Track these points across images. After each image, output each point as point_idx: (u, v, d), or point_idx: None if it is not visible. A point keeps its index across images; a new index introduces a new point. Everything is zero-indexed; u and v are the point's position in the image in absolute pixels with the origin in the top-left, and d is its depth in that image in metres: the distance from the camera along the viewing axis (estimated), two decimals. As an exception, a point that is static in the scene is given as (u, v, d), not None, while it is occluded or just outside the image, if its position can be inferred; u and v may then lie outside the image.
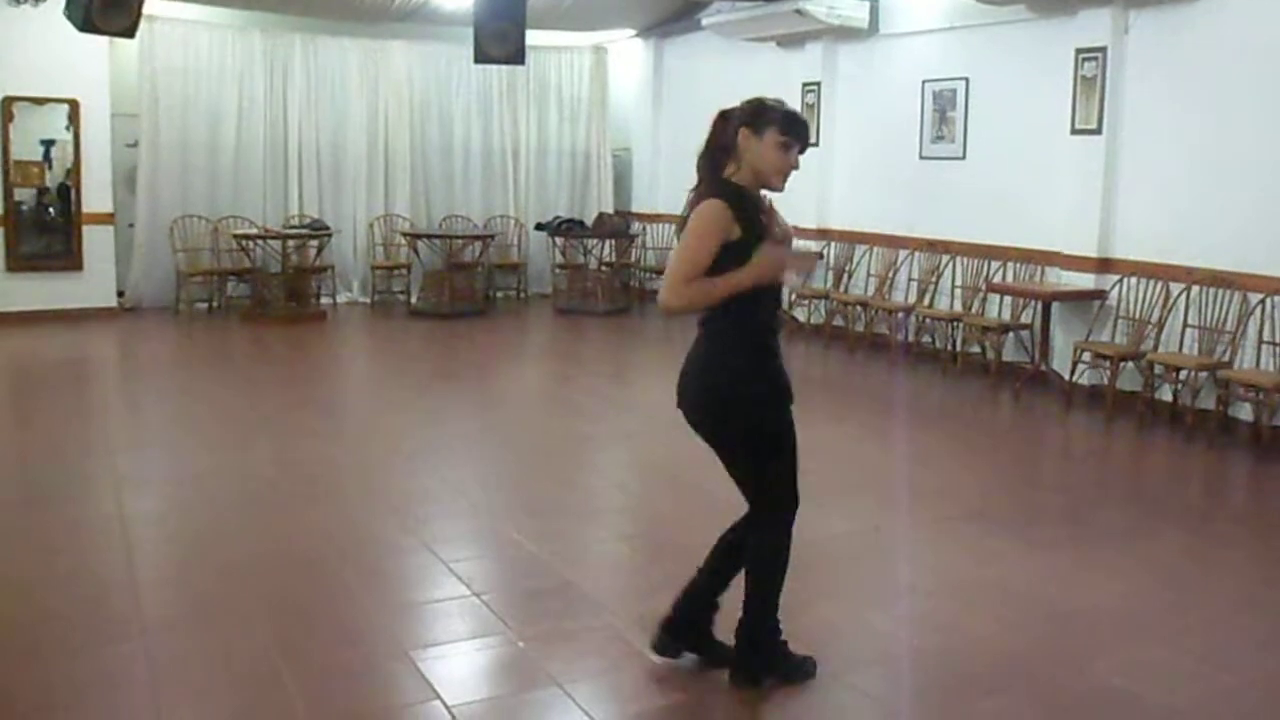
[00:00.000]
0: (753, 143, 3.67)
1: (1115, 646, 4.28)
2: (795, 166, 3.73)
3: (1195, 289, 7.98)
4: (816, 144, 11.51)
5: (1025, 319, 9.23)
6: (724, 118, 3.77)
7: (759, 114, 3.72)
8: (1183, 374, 7.84)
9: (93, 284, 11.81)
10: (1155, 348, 8.16)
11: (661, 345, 11.29)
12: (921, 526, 5.73)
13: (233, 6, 12.15)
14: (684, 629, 3.95)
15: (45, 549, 5.19)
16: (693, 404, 3.75)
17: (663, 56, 14.14)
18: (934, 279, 10.23)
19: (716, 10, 11.82)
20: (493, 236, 13.47)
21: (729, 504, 6.12)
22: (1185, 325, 8.03)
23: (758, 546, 3.83)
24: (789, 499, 3.81)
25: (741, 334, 3.69)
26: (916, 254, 10.47)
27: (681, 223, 3.65)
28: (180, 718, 3.66)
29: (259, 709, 3.70)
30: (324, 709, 3.68)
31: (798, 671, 3.90)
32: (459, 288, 12.86)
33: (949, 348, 9.95)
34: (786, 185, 3.71)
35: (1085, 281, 8.73)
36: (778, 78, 11.89)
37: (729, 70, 12.49)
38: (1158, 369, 8.01)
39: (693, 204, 3.64)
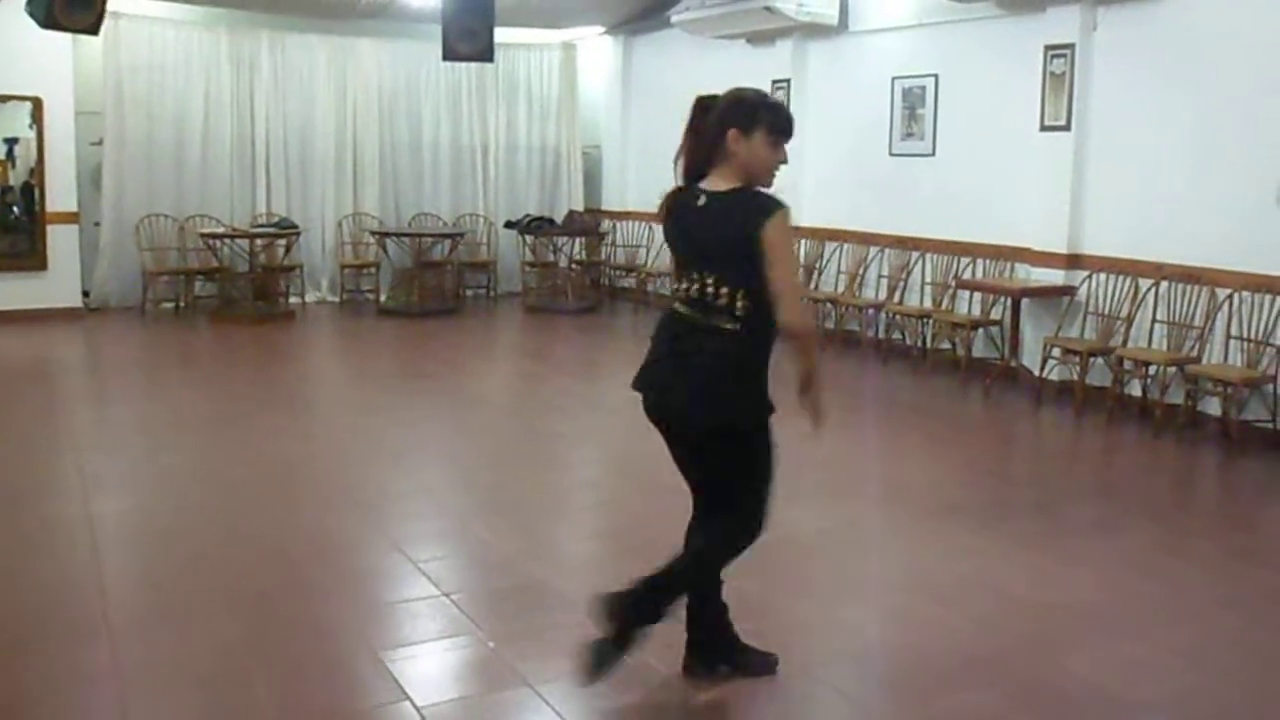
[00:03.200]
0: (743, 144, 3.53)
1: (1088, 640, 4.28)
2: (785, 161, 3.63)
3: (1164, 284, 8.01)
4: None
5: (995, 315, 9.24)
6: (705, 110, 3.63)
7: (748, 114, 3.56)
8: (1152, 369, 7.87)
9: (57, 284, 11.68)
10: (1124, 343, 8.19)
11: (631, 343, 11.26)
12: (894, 522, 5.73)
13: (199, 3, 12.05)
14: (707, 646, 3.87)
15: (11, 549, 5.13)
16: (712, 409, 3.61)
17: (632, 54, 14.12)
18: (904, 276, 10.25)
19: (685, 7, 11.80)
20: (462, 235, 13.41)
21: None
22: (1154, 320, 8.06)
23: (713, 544, 3.76)
24: (761, 519, 3.73)
25: (767, 351, 3.69)
26: (886, 251, 10.49)
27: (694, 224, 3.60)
28: (147, 717, 3.62)
29: (227, 709, 3.66)
30: (293, 709, 3.64)
31: (756, 665, 3.90)
32: (428, 286, 12.80)
33: (919, 344, 9.97)
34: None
35: (1055, 277, 8.75)
36: (748, 75, 11.85)
37: (699, 67, 12.46)
38: (1127, 364, 8.04)
39: (729, 209, 3.52)
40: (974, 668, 4.02)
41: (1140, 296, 8.17)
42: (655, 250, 13.14)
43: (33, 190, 11.53)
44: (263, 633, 4.24)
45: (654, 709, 3.72)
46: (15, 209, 11.60)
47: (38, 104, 11.33)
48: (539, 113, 14.53)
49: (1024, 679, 3.94)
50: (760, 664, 3.90)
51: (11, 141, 11.43)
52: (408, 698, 3.71)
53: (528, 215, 13.86)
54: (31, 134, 11.40)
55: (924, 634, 4.33)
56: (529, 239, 13.68)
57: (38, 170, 11.48)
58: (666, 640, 3.96)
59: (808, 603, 4.71)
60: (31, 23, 8.96)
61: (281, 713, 3.62)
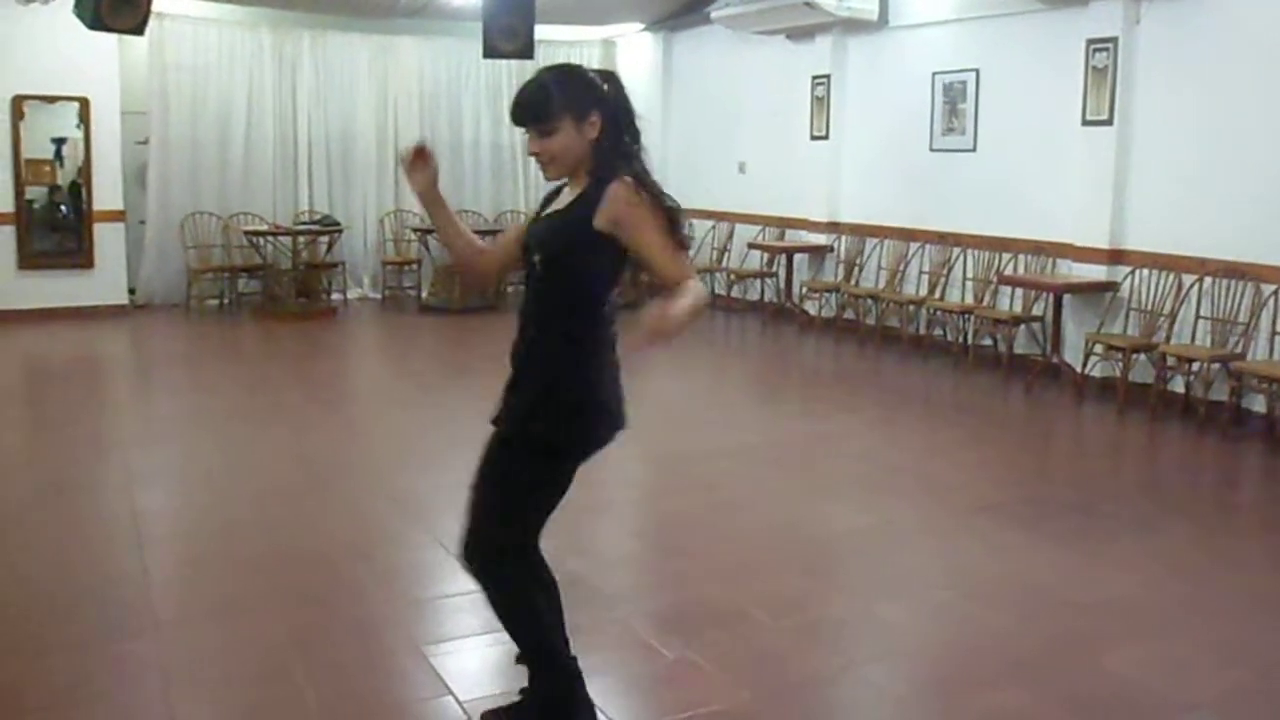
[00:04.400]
0: None
1: (1130, 640, 4.26)
2: (532, 151, 3.16)
3: (1208, 280, 7.95)
4: (826, 136, 11.51)
5: (1037, 311, 9.20)
6: None
7: None
8: (1195, 366, 7.81)
9: (104, 281, 11.84)
10: (1168, 339, 8.13)
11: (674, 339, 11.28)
12: (934, 519, 5.72)
13: (242, 3, 12.16)
14: None
15: (58, 545, 5.20)
16: None
17: (672, 50, 14.11)
18: (945, 271, 10.21)
19: (725, 3, 11.79)
20: (503, 231, 13.42)
21: (737, 499, 6.10)
22: (1198, 317, 8.00)
23: None
24: None
25: None
26: (927, 246, 10.45)
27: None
28: (192, 713, 3.67)
29: (271, 704, 3.71)
30: (336, 704, 3.68)
31: None
32: (470, 283, 12.84)
33: (960, 340, 9.92)
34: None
35: (1097, 273, 8.69)
36: (787, 71, 11.87)
37: (738, 63, 12.46)
38: (1170, 361, 7.97)
39: None
40: (1015, 666, 4.01)
41: (1184, 292, 8.10)
42: (696, 246, 13.14)
43: (80, 189, 11.68)
44: (305, 627, 4.29)
45: (696, 705, 3.73)
46: (63, 208, 11.76)
47: (85, 104, 11.47)
48: (579, 109, 14.52)
49: (1065, 678, 3.92)
50: None
51: (59, 141, 11.58)
52: (450, 692, 3.75)
53: (568, 212, 13.89)
54: (79, 134, 11.55)
55: (964, 632, 4.33)
56: (569, 236, 13.70)
57: (85, 169, 11.62)
58: (712, 638, 3.99)
59: (847, 599, 4.71)
60: (79, 24, 9.06)
61: (324, 707, 3.66)
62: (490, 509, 3.24)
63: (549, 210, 3.26)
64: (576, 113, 3.09)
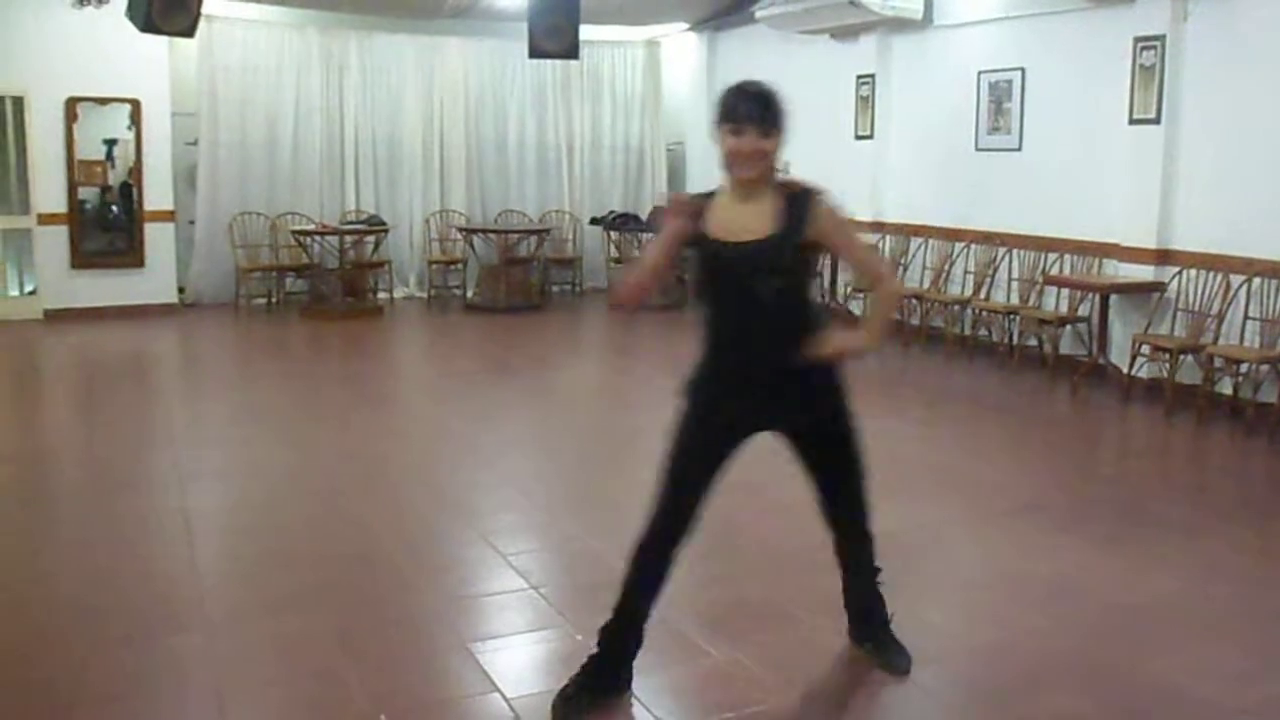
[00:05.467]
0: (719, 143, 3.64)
1: (1175, 644, 4.24)
2: (746, 149, 3.58)
3: (1256, 280, 7.87)
4: (871, 136, 11.49)
5: (1083, 311, 9.14)
6: None
7: (715, 113, 3.67)
8: (1243, 367, 7.74)
9: (154, 280, 12.01)
10: (1215, 340, 8.06)
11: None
12: (978, 521, 5.71)
13: (290, 5, 12.29)
14: (854, 617, 4.11)
15: (110, 541, 5.29)
16: None
17: (716, 50, 14.12)
18: (990, 271, 10.16)
19: (770, 3, 11.78)
20: (548, 231, 13.50)
21: (780, 498, 6.09)
22: (1246, 317, 7.92)
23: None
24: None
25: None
26: (972, 246, 10.40)
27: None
28: (241, 708, 3.73)
29: (319, 700, 3.76)
30: (384, 700, 3.72)
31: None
32: (514, 282, 12.91)
33: (1006, 341, 9.88)
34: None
35: (1144, 273, 8.63)
36: (831, 70, 11.86)
37: (783, 63, 12.43)
38: (1218, 362, 7.90)
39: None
40: (1059, 670, 4.00)
41: (1232, 293, 8.03)
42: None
43: (131, 190, 11.85)
44: (354, 624, 4.34)
45: (742, 704, 3.75)
46: (114, 208, 11.93)
47: (136, 106, 11.63)
48: (623, 110, 14.60)
49: (1110, 683, 3.91)
50: (893, 657, 3.98)
51: (111, 143, 11.75)
52: (497, 689, 3.79)
53: (612, 212, 13.96)
54: (130, 135, 11.72)
55: (1007, 634, 4.32)
56: (614, 235, 13.77)
57: (136, 170, 11.79)
58: (759, 638, 4.00)
59: (890, 600, 4.69)
60: (131, 27, 9.19)
61: (372, 703, 3.70)
62: (865, 486, 4.03)
63: (738, 237, 3.60)
64: (783, 123, 3.56)
